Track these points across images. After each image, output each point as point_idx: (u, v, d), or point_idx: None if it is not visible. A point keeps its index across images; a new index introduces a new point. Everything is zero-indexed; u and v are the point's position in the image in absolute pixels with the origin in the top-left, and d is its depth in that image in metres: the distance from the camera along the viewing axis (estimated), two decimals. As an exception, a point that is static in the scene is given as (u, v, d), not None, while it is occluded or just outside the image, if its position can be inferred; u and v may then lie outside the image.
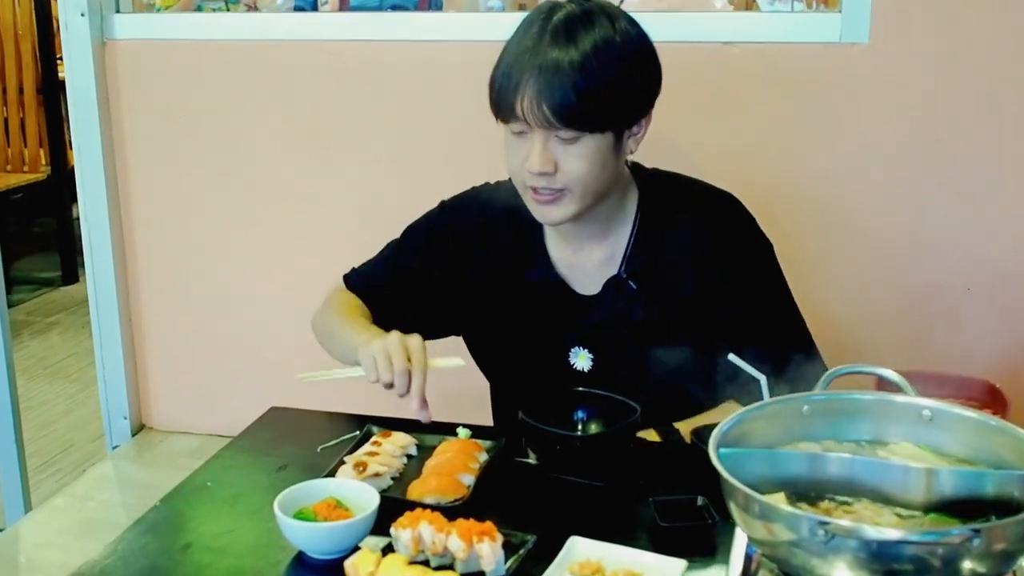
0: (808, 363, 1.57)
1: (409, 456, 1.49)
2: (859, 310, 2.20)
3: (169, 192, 2.52)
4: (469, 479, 1.38)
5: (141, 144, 2.50)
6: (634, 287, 1.61)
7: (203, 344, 2.59)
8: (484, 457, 1.45)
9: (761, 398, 1.23)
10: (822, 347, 1.66)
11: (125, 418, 2.57)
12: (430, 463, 1.42)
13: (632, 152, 1.59)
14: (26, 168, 4.72)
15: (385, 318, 1.66)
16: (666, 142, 1.78)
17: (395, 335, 1.44)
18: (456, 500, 1.32)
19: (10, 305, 4.90)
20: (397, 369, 1.40)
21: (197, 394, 2.62)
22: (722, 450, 1.10)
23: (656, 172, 1.69)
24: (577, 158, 1.48)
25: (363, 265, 1.79)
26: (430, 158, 2.32)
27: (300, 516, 1.28)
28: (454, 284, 1.70)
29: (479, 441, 1.49)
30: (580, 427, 1.51)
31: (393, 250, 1.77)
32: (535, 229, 1.65)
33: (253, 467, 1.54)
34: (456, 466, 1.39)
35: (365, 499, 1.30)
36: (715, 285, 1.59)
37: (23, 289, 5.17)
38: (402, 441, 1.50)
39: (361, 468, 1.39)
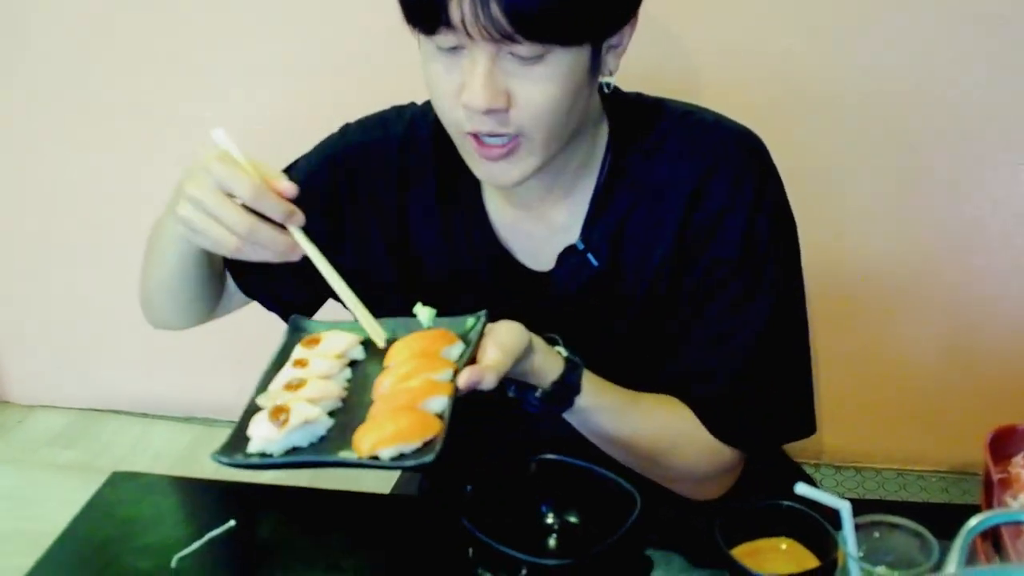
0: (793, 422, 1.16)
1: (354, 362, 0.99)
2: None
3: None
4: (440, 404, 0.90)
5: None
6: (594, 263, 1.14)
7: (62, 302, 2.07)
8: (459, 350, 0.96)
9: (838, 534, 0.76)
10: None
11: (-28, 393, 2.07)
12: (380, 385, 0.93)
13: (612, 73, 1.08)
14: None
15: (249, 280, 1.23)
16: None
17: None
18: (425, 450, 0.85)
19: None
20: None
21: (62, 361, 2.11)
22: None
23: (640, 99, 1.17)
24: (540, 86, 0.99)
25: None
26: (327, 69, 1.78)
27: None
28: (352, 251, 1.20)
29: (448, 327, 0.99)
30: (553, 534, 1.03)
31: None
32: (470, 179, 1.14)
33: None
34: (419, 388, 0.91)
35: None
36: (692, 267, 1.12)
37: None
38: (338, 346, 0.99)
39: (282, 419, 0.87)
